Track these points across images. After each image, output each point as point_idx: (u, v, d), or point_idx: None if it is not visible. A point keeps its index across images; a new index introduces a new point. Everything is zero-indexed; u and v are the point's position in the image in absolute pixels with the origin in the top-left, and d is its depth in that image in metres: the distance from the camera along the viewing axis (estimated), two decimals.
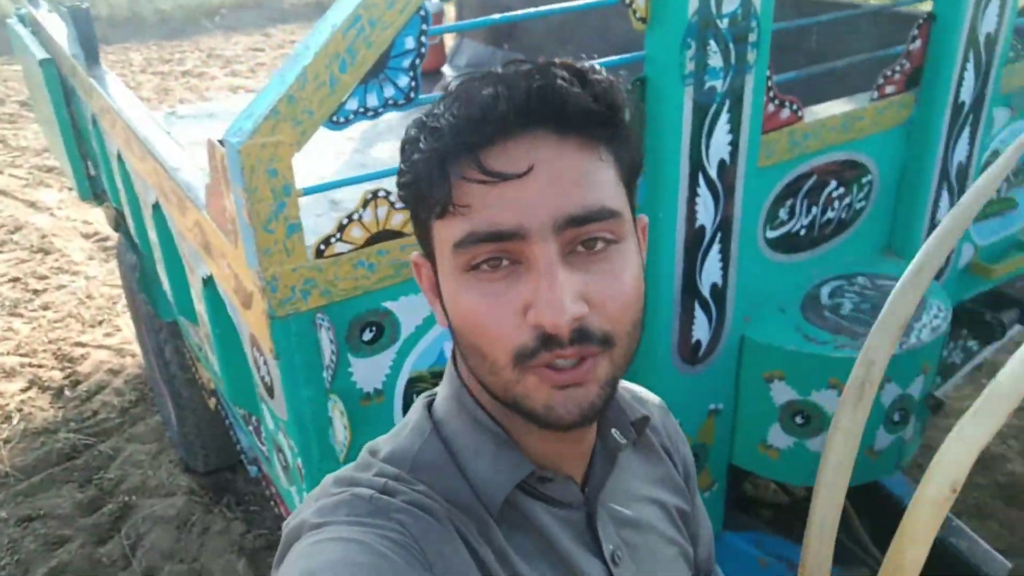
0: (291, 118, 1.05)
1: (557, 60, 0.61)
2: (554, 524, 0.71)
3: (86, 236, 5.23)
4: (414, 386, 1.33)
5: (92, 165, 2.89)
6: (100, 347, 4.02)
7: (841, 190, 1.84)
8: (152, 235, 1.99)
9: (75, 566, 2.77)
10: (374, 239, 1.19)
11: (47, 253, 5.00)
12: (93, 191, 2.99)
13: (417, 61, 1.13)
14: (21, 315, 4.32)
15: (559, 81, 0.59)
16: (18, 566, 2.77)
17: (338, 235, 1.16)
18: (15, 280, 4.68)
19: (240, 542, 2.84)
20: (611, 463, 0.76)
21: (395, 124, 3.01)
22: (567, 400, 0.62)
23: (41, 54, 2.71)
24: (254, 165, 1.04)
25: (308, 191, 1.12)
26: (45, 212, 5.60)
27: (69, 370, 3.84)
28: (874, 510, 2.03)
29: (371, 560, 0.58)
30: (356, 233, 1.17)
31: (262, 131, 1.03)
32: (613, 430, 0.75)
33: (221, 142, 1.09)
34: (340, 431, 1.24)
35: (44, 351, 3.99)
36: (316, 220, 1.14)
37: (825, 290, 1.83)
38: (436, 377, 1.33)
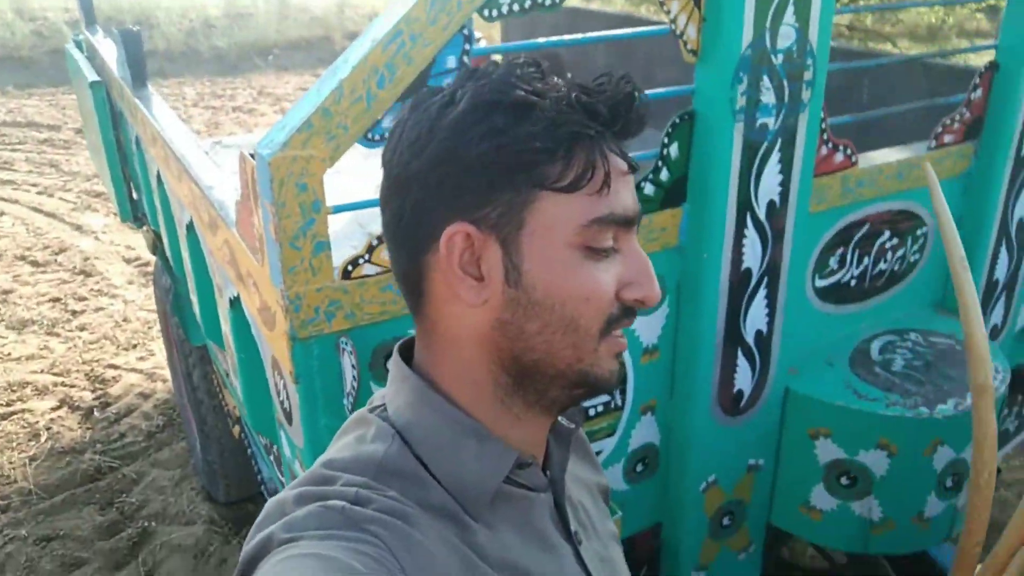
0: (325, 132, 1.02)
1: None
2: (533, 508, 0.73)
3: (127, 261, 5.29)
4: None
5: (134, 188, 2.91)
6: (132, 370, 4.03)
7: (895, 241, 1.77)
8: (185, 257, 1.97)
9: None
10: None
11: (88, 275, 5.06)
12: (134, 214, 3.01)
13: None
14: (58, 335, 4.35)
15: (637, 95, 0.65)
16: None
17: (367, 256, 1.11)
18: (55, 300, 4.73)
19: None
20: (566, 448, 0.78)
21: None
22: (618, 368, 0.70)
23: (93, 77, 2.75)
24: (284, 179, 1.00)
25: (338, 209, 1.08)
26: (90, 236, 5.69)
27: (100, 391, 3.84)
28: None
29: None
30: (386, 255, 1.13)
31: (294, 144, 1.00)
32: (560, 417, 0.77)
33: (252, 155, 1.05)
34: None
35: (77, 371, 4.00)
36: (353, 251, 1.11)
37: (876, 345, 1.74)
38: None
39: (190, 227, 1.80)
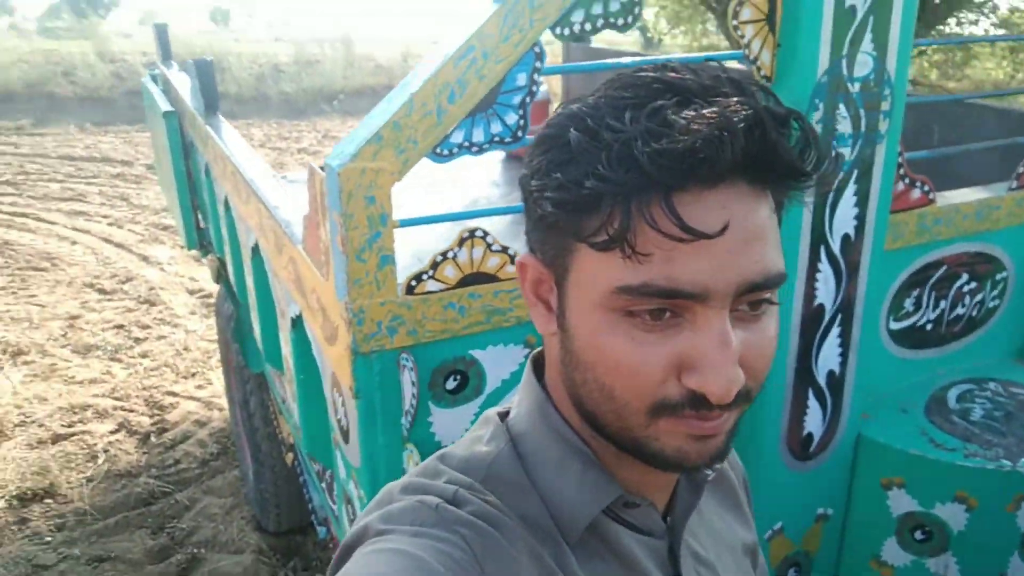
0: (394, 145, 1.01)
1: (765, 104, 0.54)
2: (638, 551, 0.67)
3: (191, 292, 5.41)
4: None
5: (202, 217, 2.97)
6: (190, 398, 4.08)
7: (973, 285, 1.69)
8: (249, 280, 1.99)
9: None
10: (466, 281, 1.12)
11: (152, 304, 5.18)
12: (199, 242, 3.07)
13: (528, 99, 1.08)
14: (120, 360, 4.45)
15: (774, 134, 0.53)
16: None
17: (431, 272, 1.10)
18: (120, 327, 4.84)
19: None
20: (697, 494, 0.72)
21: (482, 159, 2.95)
22: (702, 448, 0.59)
23: (166, 107, 2.84)
24: (352, 190, 1.00)
25: (405, 223, 1.07)
26: (156, 266, 5.84)
27: (158, 417, 3.89)
28: None
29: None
30: (449, 272, 1.11)
31: (363, 156, 0.99)
32: None
33: (322, 167, 1.06)
34: None
35: (137, 397, 4.07)
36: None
37: (953, 393, 1.66)
38: None
39: (255, 250, 1.82)
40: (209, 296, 5.27)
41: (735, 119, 0.52)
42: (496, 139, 1.08)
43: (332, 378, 1.25)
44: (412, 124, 1.02)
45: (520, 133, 1.10)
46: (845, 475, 1.56)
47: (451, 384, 1.17)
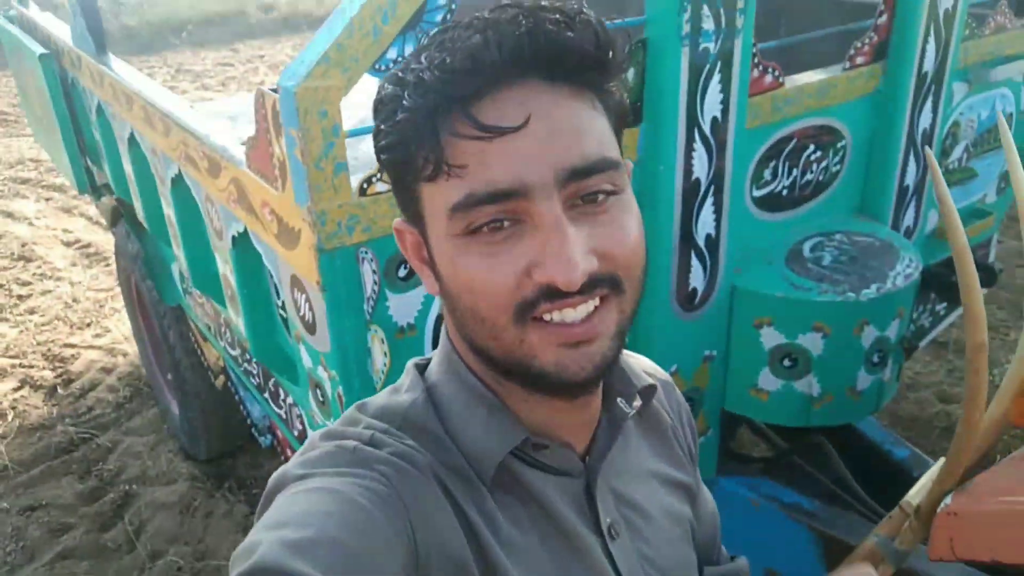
0: (339, 64, 1.17)
1: (544, 3, 0.59)
2: (551, 491, 0.70)
3: (67, 244, 5.25)
4: (442, 322, 1.43)
5: (90, 159, 2.95)
6: (90, 347, 4.06)
7: (818, 154, 1.99)
8: (169, 211, 2.08)
9: (81, 551, 2.82)
10: None
11: (29, 260, 5.01)
12: (90, 184, 3.05)
13: (448, 16, 1.25)
14: (7, 319, 4.34)
15: (549, 25, 0.57)
16: (23, 552, 2.82)
17: (379, 175, 1.27)
18: None
19: (245, 523, 2.91)
20: (615, 432, 0.75)
21: None
22: (580, 357, 0.61)
23: (39, 50, 2.78)
24: (308, 107, 1.15)
25: (353, 133, 1.23)
26: (23, 222, 5.60)
27: (60, 369, 3.87)
28: (851, 454, 2.17)
29: (343, 509, 0.57)
30: None
31: (314, 75, 1.14)
32: (619, 399, 0.74)
33: (273, 90, 1.20)
34: (379, 359, 1.35)
35: (34, 352, 4.02)
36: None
37: (807, 245, 1.98)
38: None
39: (176, 180, 1.91)
40: (88, 246, 5.14)
41: (503, 19, 0.57)
42: None
43: (292, 279, 1.41)
44: (353, 45, 1.17)
45: None
46: (724, 320, 1.85)
47: (402, 272, 1.35)
